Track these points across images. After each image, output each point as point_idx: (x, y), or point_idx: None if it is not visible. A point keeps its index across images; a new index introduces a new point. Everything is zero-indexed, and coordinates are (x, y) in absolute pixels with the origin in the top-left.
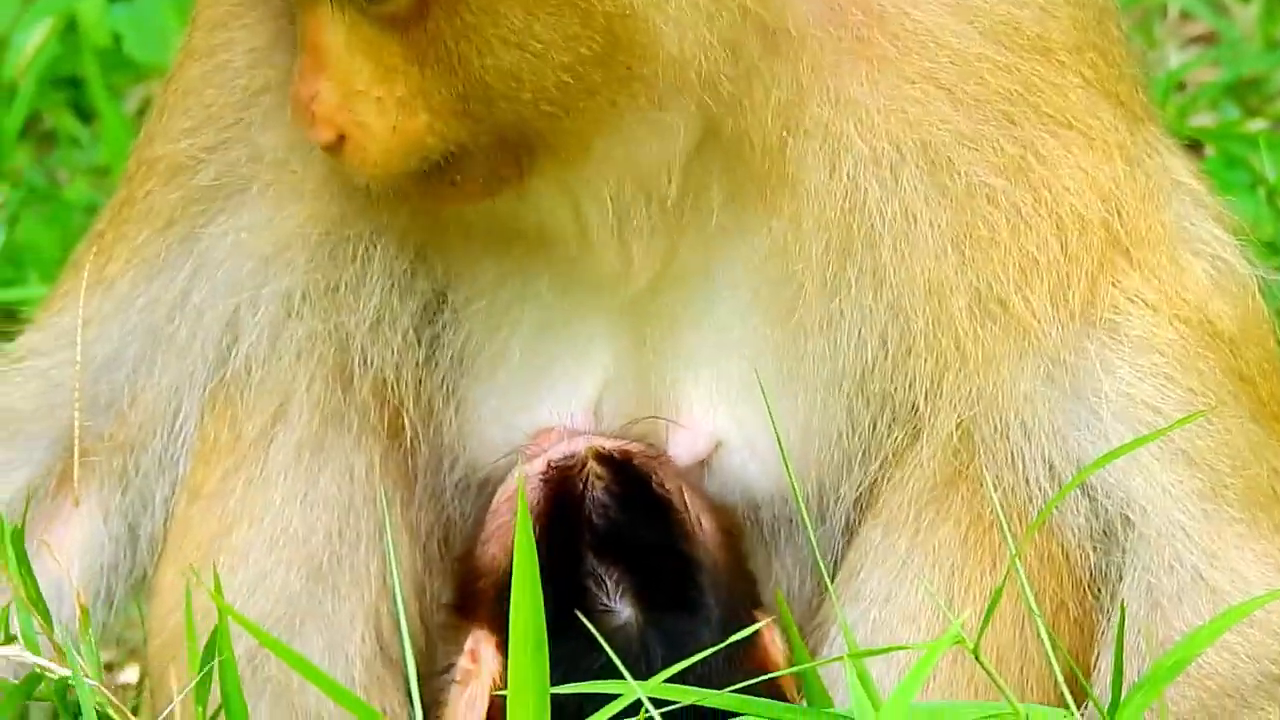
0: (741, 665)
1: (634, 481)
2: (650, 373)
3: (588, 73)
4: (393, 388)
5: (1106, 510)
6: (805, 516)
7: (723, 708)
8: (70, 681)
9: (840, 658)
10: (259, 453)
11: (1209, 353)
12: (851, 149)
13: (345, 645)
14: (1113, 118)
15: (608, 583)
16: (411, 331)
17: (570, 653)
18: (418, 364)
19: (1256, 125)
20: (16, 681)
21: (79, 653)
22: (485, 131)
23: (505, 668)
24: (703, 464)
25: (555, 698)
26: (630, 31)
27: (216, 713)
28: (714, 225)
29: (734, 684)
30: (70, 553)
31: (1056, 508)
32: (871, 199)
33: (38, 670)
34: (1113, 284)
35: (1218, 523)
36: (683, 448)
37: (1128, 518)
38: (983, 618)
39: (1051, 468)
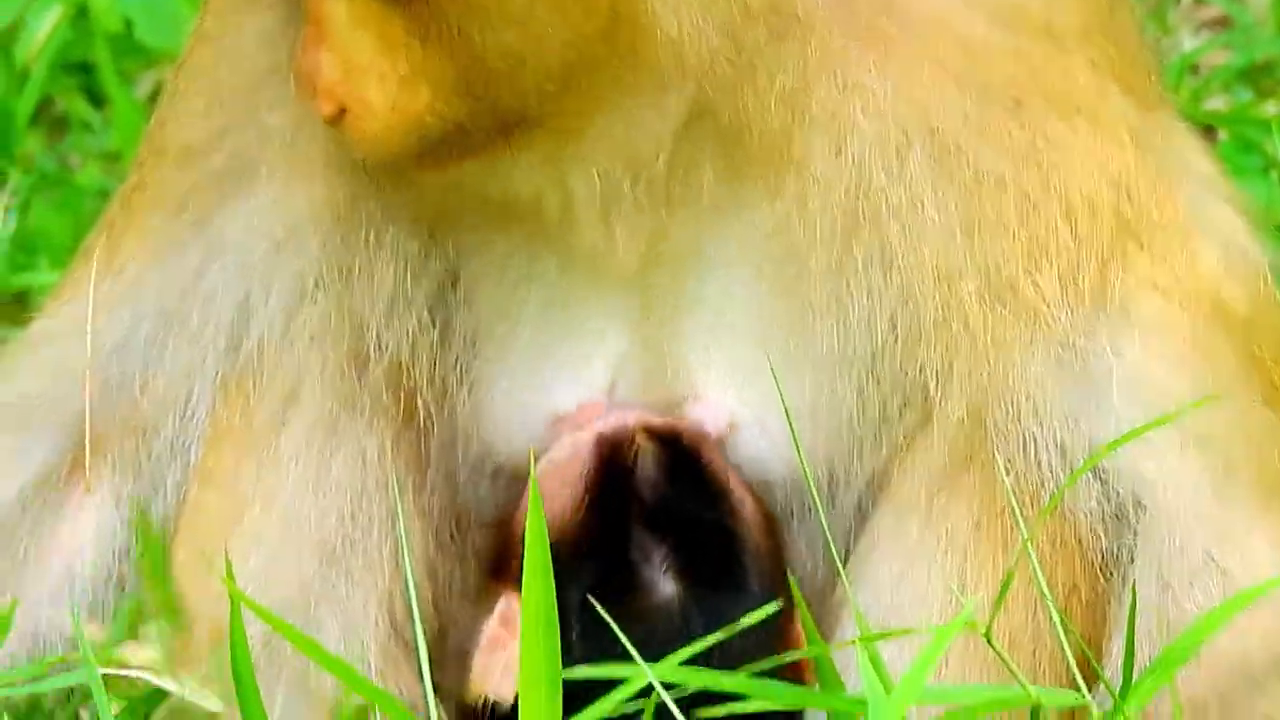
0: (774, 649)
1: (683, 459)
2: (661, 353)
3: (589, 50)
4: (407, 370)
5: (1118, 494)
6: (816, 497)
7: (734, 690)
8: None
9: (852, 641)
10: (271, 437)
11: (1221, 336)
12: (858, 133)
13: (360, 629)
14: (1122, 102)
15: (654, 557)
16: (425, 313)
17: (612, 628)
18: (432, 346)
19: (1270, 109)
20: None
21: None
22: (485, 111)
23: None
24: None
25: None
26: (632, 10)
27: None
28: (706, 204)
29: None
30: (82, 538)
31: (1068, 491)
32: (878, 183)
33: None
34: (1123, 268)
35: (1229, 506)
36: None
37: (1139, 501)
38: (995, 601)
39: (1063, 451)
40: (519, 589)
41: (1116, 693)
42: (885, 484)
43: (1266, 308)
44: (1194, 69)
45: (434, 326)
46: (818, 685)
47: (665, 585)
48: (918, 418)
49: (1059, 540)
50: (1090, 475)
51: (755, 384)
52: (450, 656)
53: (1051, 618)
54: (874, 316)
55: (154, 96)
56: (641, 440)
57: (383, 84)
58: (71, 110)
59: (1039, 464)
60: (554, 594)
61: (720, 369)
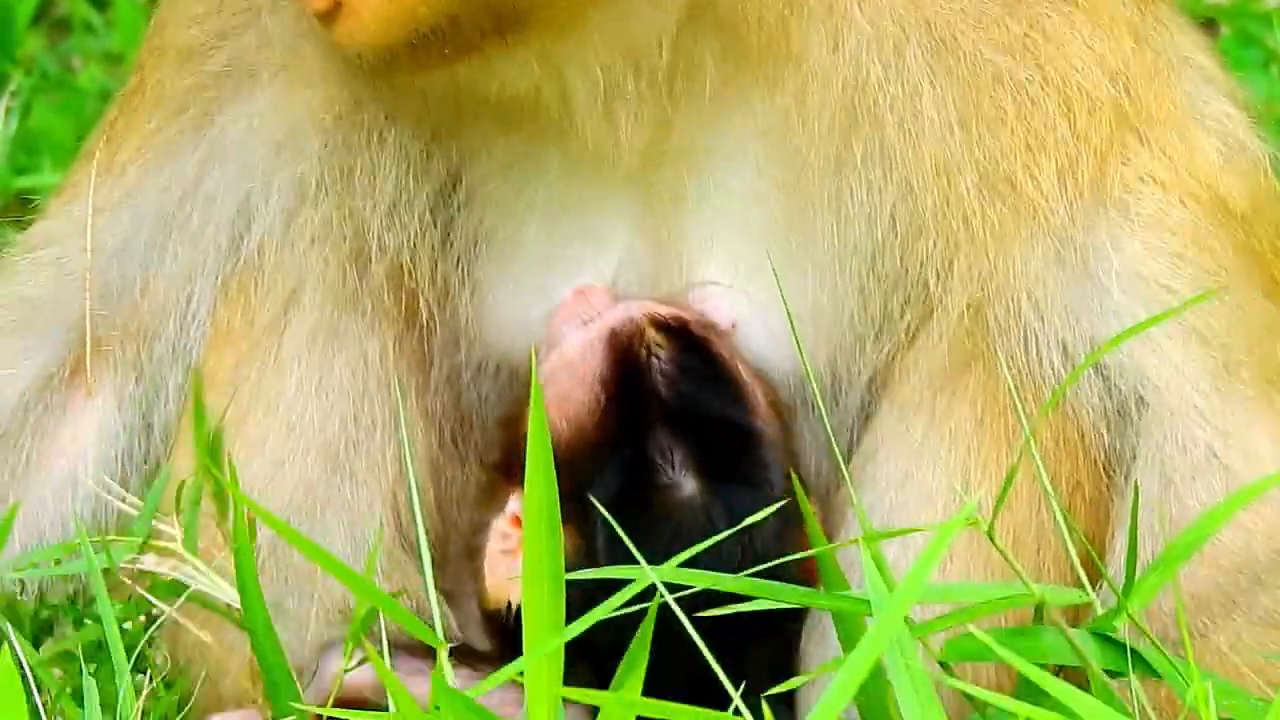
0: (792, 544)
1: (694, 350)
2: (664, 252)
3: None
4: (408, 272)
5: (1120, 390)
6: (818, 395)
7: (739, 592)
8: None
9: (855, 540)
10: (273, 339)
11: (1221, 230)
12: (855, 27)
13: (366, 532)
14: None
15: (674, 455)
16: (427, 214)
17: (636, 526)
18: (433, 248)
19: (1270, 2)
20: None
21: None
22: (477, 2)
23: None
24: None
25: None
26: None
27: None
28: (708, 100)
29: (784, 565)
30: (84, 441)
31: (1071, 388)
32: (875, 77)
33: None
34: (1122, 162)
35: (1231, 401)
36: None
37: (1141, 397)
38: (997, 498)
39: (1065, 348)
40: None
41: (1119, 590)
42: (888, 383)
43: (1266, 202)
44: None
45: (435, 228)
46: (822, 585)
47: (686, 482)
48: (919, 315)
49: (1062, 438)
50: (1092, 372)
51: (757, 282)
52: (455, 558)
53: (1055, 516)
54: (874, 213)
55: None
56: (651, 334)
57: None
58: (73, 11)
59: (1040, 361)
60: (556, 494)
61: (723, 268)
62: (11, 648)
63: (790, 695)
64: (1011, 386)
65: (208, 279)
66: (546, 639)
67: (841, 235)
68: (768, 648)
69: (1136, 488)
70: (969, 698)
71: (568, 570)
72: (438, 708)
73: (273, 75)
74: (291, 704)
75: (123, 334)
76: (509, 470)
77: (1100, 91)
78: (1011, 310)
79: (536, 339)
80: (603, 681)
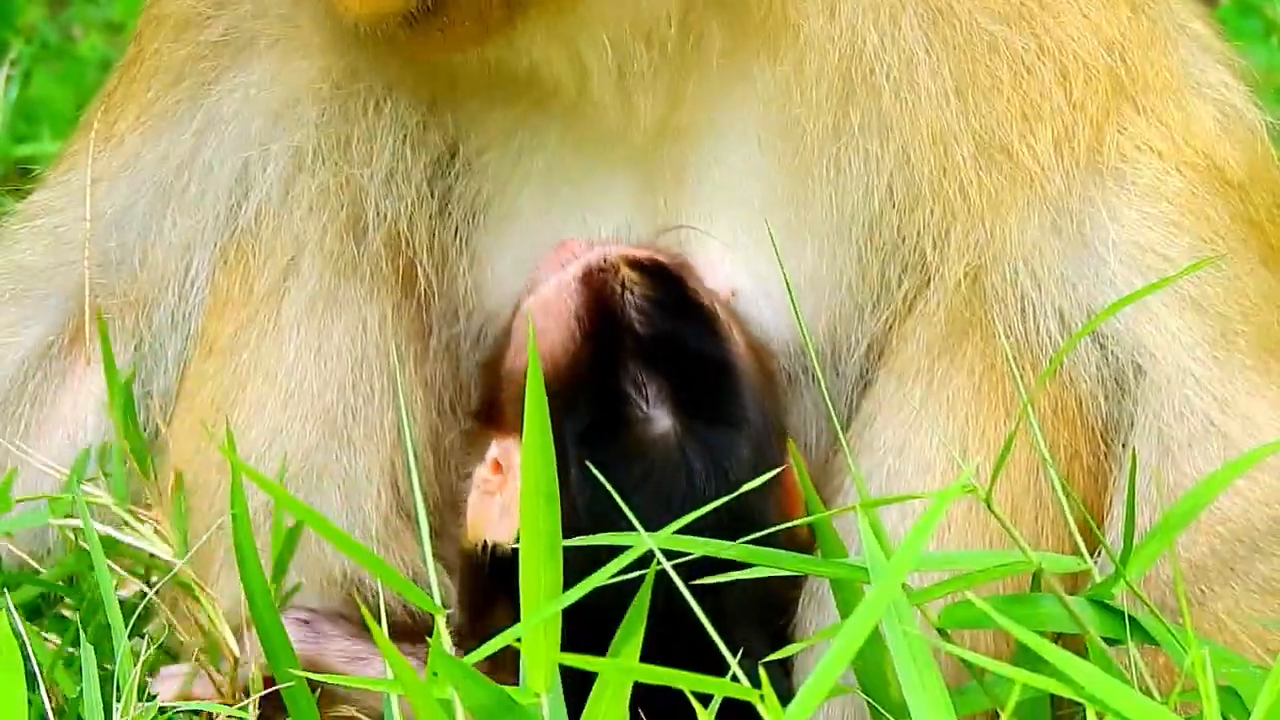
0: (773, 501)
1: (670, 287)
2: (664, 221)
3: None
4: (406, 240)
5: (1117, 358)
6: (816, 363)
7: (734, 558)
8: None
9: (852, 507)
10: (271, 307)
11: (1217, 199)
12: None
13: (363, 500)
14: None
15: (648, 389)
16: (424, 184)
17: (610, 461)
18: (431, 216)
19: None
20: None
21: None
22: None
23: None
24: None
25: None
26: None
27: None
28: (715, 70)
29: (766, 517)
30: (83, 409)
31: (1068, 357)
32: (871, 45)
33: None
34: (1119, 131)
35: (1228, 369)
36: None
37: (1138, 365)
38: (995, 465)
39: (1062, 317)
40: (509, 433)
41: (1117, 557)
42: (886, 352)
43: (1263, 170)
44: None
45: (432, 198)
46: (819, 552)
47: (661, 418)
48: (917, 284)
49: (1059, 406)
50: (1089, 340)
51: (757, 252)
52: (451, 526)
53: (1053, 484)
54: (871, 182)
55: None
56: (626, 271)
57: None
58: None
59: (1038, 329)
60: (553, 456)
61: (722, 237)
62: (9, 615)
63: (787, 662)
64: (1009, 355)
65: (206, 247)
66: (544, 604)
67: (840, 205)
68: (759, 608)
69: (1134, 456)
70: (967, 664)
71: None
72: (435, 674)
73: (270, 45)
74: (288, 670)
75: (121, 302)
76: (489, 415)
77: (1096, 60)
78: (1008, 279)
79: None
80: (593, 647)
